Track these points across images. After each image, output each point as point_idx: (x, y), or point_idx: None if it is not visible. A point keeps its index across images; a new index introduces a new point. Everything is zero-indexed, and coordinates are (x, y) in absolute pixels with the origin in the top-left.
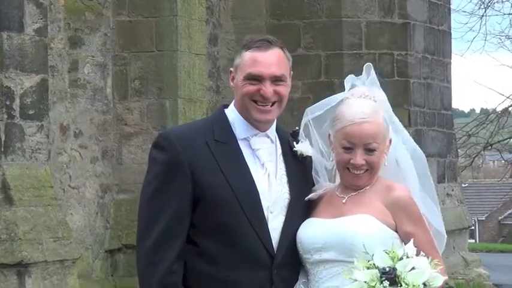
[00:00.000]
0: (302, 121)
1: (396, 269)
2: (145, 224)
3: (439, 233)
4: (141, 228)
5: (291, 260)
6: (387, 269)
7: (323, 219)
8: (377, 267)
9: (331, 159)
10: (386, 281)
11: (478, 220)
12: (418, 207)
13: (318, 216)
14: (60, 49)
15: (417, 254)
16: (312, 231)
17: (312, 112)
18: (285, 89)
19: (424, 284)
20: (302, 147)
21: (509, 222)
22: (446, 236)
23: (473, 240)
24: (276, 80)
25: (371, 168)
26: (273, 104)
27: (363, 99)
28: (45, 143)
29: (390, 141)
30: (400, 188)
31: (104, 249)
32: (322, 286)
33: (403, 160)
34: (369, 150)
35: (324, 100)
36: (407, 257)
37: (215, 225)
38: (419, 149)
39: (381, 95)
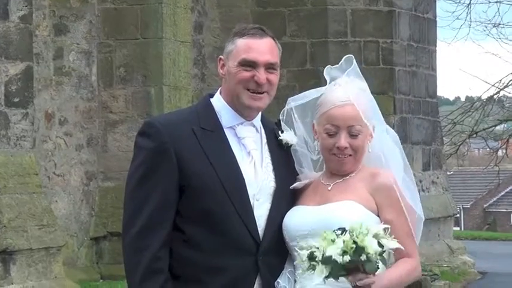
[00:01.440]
0: (284, 109)
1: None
2: (131, 211)
3: (420, 218)
4: (127, 215)
5: (277, 247)
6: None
7: (309, 206)
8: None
9: (316, 149)
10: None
11: (463, 208)
12: (401, 196)
13: (304, 204)
14: (45, 36)
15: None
16: (298, 219)
17: (294, 101)
18: (276, 78)
19: (379, 244)
20: (287, 136)
21: (494, 210)
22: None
23: (458, 228)
24: (269, 67)
25: (355, 153)
26: (263, 92)
27: (344, 85)
28: (30, 130)
29: (374, 128)
30: (385, 174)
31: (89, 237)
32: (306, 272)
33: (387, 147)
34: (353, 134)
35: (307, 92)
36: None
37: (201, 212)
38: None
39: (363, 85)
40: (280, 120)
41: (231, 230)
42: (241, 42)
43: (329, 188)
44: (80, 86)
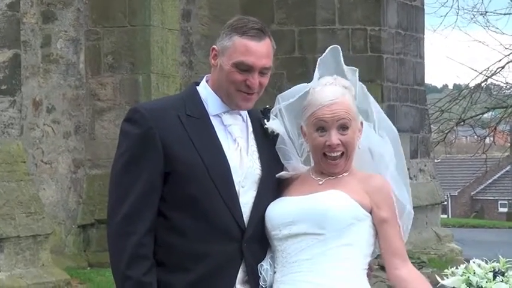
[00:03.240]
0: (274, 108)
1: None
2: (116, 197)
3: (410, 213)
4: (112, 202)
5: (261, 234)
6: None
7: (294, 197)
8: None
9: (302, 148)
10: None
11: (450, 195)
12: (393, 197)
13: (290, 195)
14: (32, 24)
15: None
16: (281, 208)
17: (283, 99)
18: (267, 80)
19: None
20: (273, 124)
21: (481, 198)
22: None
23: (445, 216)
24: (263, 71)
25: (346, 150)
26: (253, 93)
27: (330, 86)
28: (17, 118)
29: (362, 124)
30: (380, 177)
31: (77, 225)
32: (291, 260)
33: (377, 145)
34: (343, 128)
35: (295, 87)
36: None
37: (186, 198)
38: (394, 129)
39: (348, 84)
40: (265, 109)
41: (215, 217)
42: (239, 42)
43: (320, 183)
44: (67, 73)
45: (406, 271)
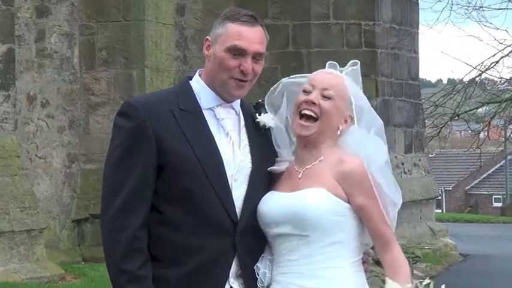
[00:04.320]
0: (276, 85)
1: None
2: (109, 191)
3: (394, 204)
4: (105, 196)
5: (254, 229)
6: None
7: (281, 193)
8: None
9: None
10: None
11: (445, 190)
12: (370, 179)
13: (279, 190)
14: (27, 18)
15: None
16: (270, 206)
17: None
18: (261, 68)
19: None
20: (264, 118)
21: (475, 193)
22: (399, 206)
23: (440, 210)
24: (257, 57)
25: (321, 117)
26: (247, 80)
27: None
28: (11, 112)
29: (351, 118)
30: (351, 160)
31: (71, 219)
32: (282, 259)
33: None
34: (325, 96)
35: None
36: None
37: (179, 191)
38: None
39: (355, 87)
40: (258, 103)
41: (208, 210)
42: (232, 27)
43: (299, 176)
44: (61, 68)
45: (389, 256)
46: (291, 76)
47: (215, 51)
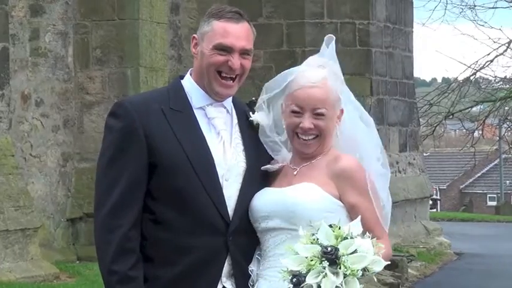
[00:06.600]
0: (259, 98)
1: (338, 250)
2: (102, 191)
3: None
4: (98, 196)
5: (247, 228)
6: (329, 249)
7: (274, 188)
8: (320, 244)
9: (283, 126)
10: (326, 261)
11: (439, 189)
12: (365, 178)
13: (272, 187)
14: (21, 17)
15: (363, 232)
16: (262, 200)
17: (268, 90)
18: (249, 64)
19: (364, 269)
20: (258, 116)
21: (470, 191)
22: (391, 205)
23: (434, 209)
24: (244, 53)
25: (320, 134)
26: (235, 78)
27: (316, 68)
28: (6, 111)
29: (342, 111)
30: (346, 158)
31: (65, 218)
32: (269, 254)
33: (360, 133)
34: (317, 115)
35: (281, 73)
36: (352, 237)
37: (170, 191)
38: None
39: (336, 68)
40: (251, 101)
41: (200, 210)
42: (217, 25)
43: (295, 173)
44: (56, 67)
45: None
46: (268, 87)
47: (202, 48)
